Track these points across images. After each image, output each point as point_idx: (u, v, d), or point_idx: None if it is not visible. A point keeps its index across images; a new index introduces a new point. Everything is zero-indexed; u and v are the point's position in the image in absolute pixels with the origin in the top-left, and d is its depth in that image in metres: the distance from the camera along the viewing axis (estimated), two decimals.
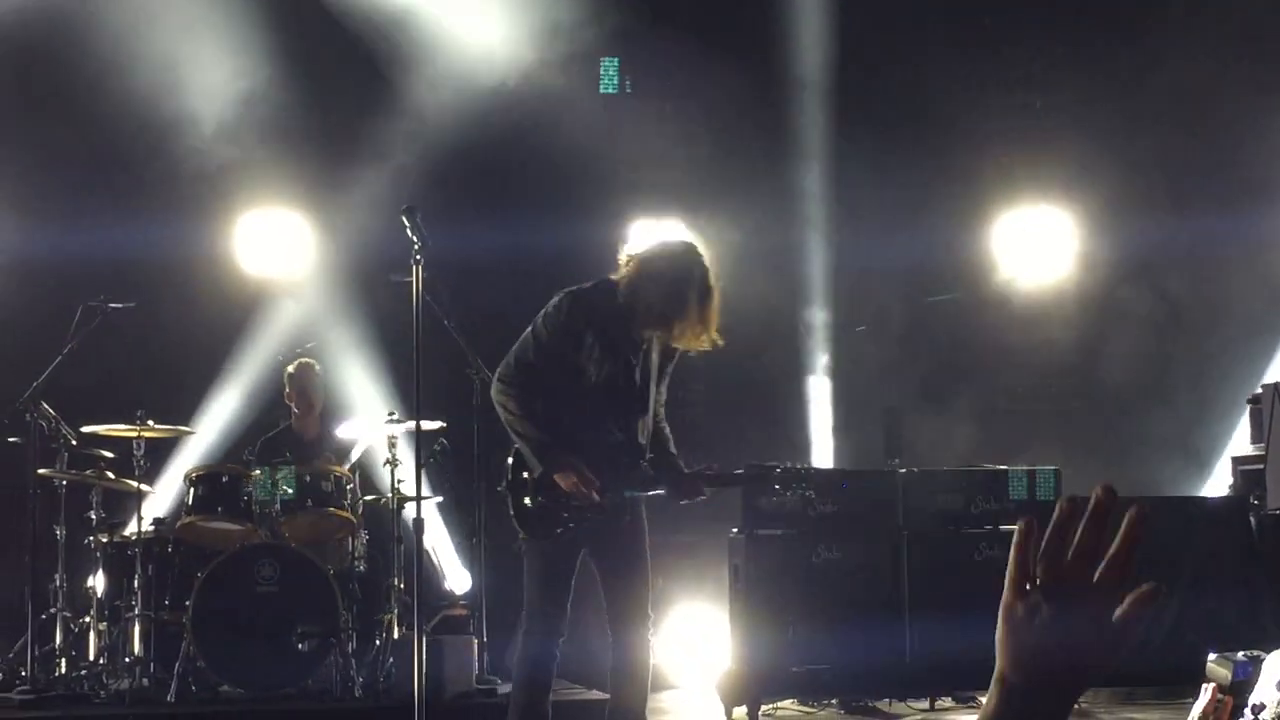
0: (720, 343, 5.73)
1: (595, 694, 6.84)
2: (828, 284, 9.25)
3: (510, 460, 5.83)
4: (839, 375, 9.26)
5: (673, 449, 5.90)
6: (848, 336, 9.26)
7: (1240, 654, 5.41)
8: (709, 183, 9.04)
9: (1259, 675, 2.82)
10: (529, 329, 5.76)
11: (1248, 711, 2.71)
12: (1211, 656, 5.25)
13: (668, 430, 5.92)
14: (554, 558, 5.75)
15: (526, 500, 5.70)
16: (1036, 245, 9.60)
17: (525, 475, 5.74)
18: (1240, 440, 8.69)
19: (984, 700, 1.37)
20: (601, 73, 9.33)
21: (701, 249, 5.89)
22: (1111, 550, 1.30)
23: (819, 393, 9.31)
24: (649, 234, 8.45)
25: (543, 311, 5.71)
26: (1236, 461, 8.57)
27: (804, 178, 9.17)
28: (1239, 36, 8.96)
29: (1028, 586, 1.31)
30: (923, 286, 9.46)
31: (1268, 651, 4.55)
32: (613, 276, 5.68)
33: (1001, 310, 9.53)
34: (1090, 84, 9.33)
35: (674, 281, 5.54)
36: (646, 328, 5.60)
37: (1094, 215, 9.45)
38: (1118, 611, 1.30)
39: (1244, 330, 9.02)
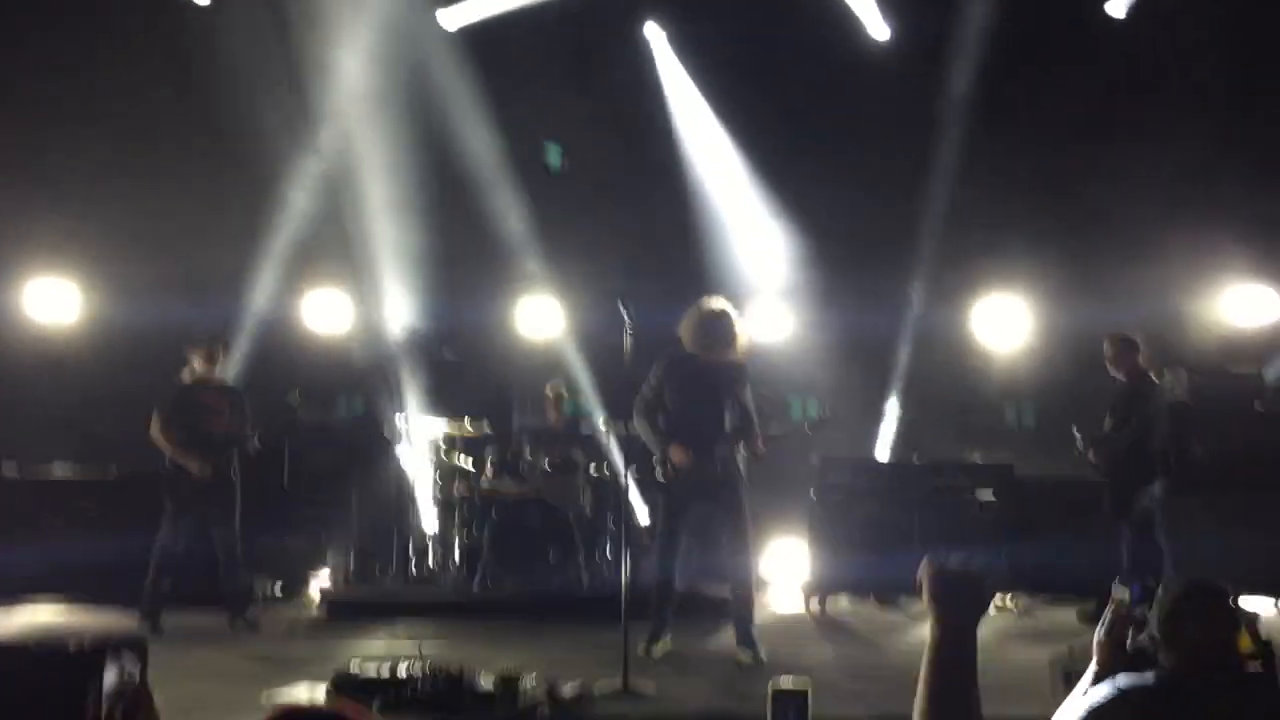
0: (743, 357, 7.26)
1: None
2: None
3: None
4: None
5: (755, 429, 7.34)
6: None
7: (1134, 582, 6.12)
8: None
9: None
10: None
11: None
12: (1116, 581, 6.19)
13: (753, 419, 7.30)
14: (667, 504, 7.35)
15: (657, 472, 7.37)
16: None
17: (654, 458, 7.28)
18: None
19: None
20: None
21: (704, 304, 7.31)
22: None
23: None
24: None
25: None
26: None
27: None
28: None
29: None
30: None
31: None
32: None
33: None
34: None
35: (686, 328, 7.39)
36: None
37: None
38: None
39: None
